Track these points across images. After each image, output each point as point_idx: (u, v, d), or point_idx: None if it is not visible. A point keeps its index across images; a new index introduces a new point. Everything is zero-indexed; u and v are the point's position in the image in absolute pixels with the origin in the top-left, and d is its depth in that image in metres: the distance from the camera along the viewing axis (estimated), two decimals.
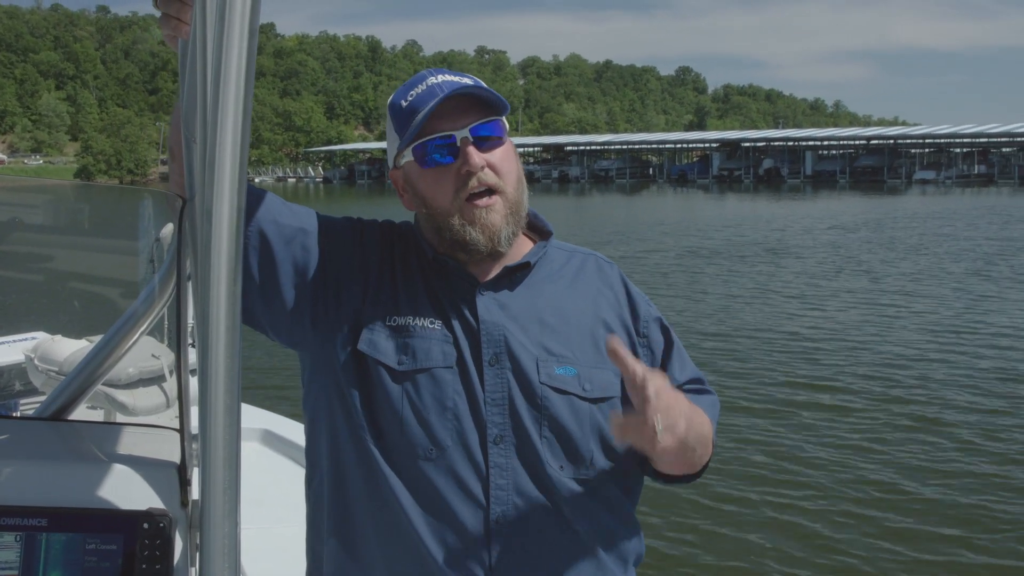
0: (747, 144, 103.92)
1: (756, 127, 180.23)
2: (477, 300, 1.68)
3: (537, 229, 1.82)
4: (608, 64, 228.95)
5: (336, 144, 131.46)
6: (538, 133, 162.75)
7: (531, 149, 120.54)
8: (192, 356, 1.23)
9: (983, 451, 8.13)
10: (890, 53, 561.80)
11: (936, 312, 15.32)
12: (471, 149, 1.63)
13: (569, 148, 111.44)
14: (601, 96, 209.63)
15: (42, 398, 3.87)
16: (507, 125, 1.73)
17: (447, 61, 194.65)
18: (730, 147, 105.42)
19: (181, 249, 1.44)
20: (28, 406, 5.29)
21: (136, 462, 1.48)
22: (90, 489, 1.42)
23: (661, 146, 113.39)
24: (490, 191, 1.66)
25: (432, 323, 1.65)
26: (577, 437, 1.65)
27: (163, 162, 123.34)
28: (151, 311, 1.68)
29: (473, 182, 1.64)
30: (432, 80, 1.69)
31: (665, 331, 1.81)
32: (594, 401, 1.67)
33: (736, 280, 19.69)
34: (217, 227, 1.08)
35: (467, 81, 1.69)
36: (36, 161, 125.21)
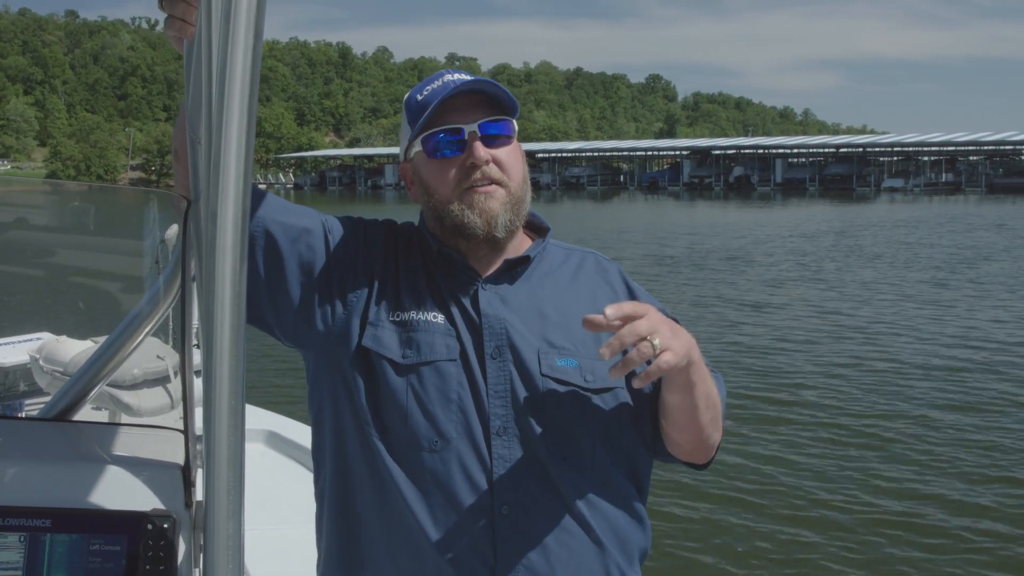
0: (717, 152, 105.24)
1: (726, 135, 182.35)
2: (479, 294, 1.70)
3: (535, 228, 1.86)
4: (579, 71, 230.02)
5: (307, 150, 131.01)
6: None
7: None
8: (197, 357, 1.23)
9: (935, 457, 8.14)
10: (858, 62, 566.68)
11: (886, 320, 15.33)
12: (477, 143, 1.67)
13: (540, 155, 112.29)
14: (572, 103, 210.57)
15: (47, 399, 3.88)
16: (516, 127, 1.76)
17: (418, 68, 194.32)
18: (701, 155, 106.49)
19: (186, 250, 1.44)
20: (33, 407, 5.30)
21: (140, 463, 1.48)
22: (94, 490, 1.42)
23: (632, 153, 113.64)
24: (492, 182, 1.69)
25: (435, 317, 1.68)
26: (579, 428, 1.66)
27: (133, 167, 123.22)
28: (156, 312, 1.68)
29: (476, 174, 1.68)
30: (448, 77, 1.73)
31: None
32: (596, 392, 1.68)
33: (693, 287, 19.74)
34: (222, 228, 1.08)
35: (481, 79, 1.72)
36: (4, 166, 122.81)
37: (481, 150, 1.67)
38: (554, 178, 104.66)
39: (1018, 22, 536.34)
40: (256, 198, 1.66)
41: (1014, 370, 11.31)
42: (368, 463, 1.65)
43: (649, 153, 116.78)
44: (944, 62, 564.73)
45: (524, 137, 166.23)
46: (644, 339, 1.45)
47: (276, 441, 4.62)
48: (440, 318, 1.68)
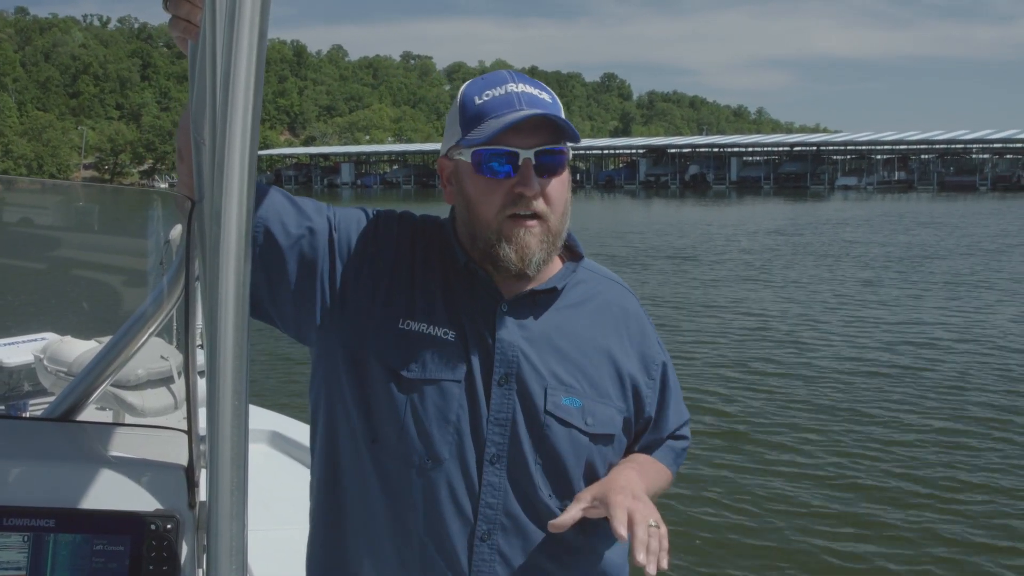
0: (673, 150, 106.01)
1: (681, 133, 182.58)
2: (497, 318, 1.65)
3: (568, 248, 1.79)
4: (534, 70, 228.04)
5: (261, 149, 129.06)
6: None
7: None
8: (200, 358, 1.23)
9: (850, 458, 8.14)
10: (811, 61, 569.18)
11: (815, 318, 15.35)
12: (531, 173, 1.59)
13: None
14: None
15: (51, 399, 3.88)
16: (571, 153, 1.68)
17: (373, 66, 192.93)
18: (656, 153, 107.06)
19: (190, 251, 1.44)
20: (37, 407, 5.30)
21: (144, 463, 1.48)
22: (98, 490, 1.42)
23: (588, 152, 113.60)
24: (535, 215, 1.63)
25: (446, 333, 1.63)
26: (571, 469, 1.65)
27: (85, 166, 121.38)
28: (160, 313, 1.68)
29: (523, 204, 1.61)
30: (512, 88, 1.64)
31: (667, 376, 1.83)
32: (593, 437, 1.67)
33: (637, 288, 19.65)
34: (226, 229, 1.08)
35: (546, 98, 1.65)
36: None
37: (534, 182, 1.59)
38: None
39: (968, 22, 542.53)
40: (259, 195, 1.63)
41: (935, 368, 11.41)
42: (356, 464, 1.65)
43: (605, 151, 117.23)
44: (895, 61, 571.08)
45: None
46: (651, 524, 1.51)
47: (280, 442, 4.62)
48: (451, 335, 1.63)
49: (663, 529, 1.51)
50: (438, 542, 1.60)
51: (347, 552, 1.67)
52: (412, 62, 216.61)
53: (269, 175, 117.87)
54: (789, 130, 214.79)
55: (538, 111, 1.59)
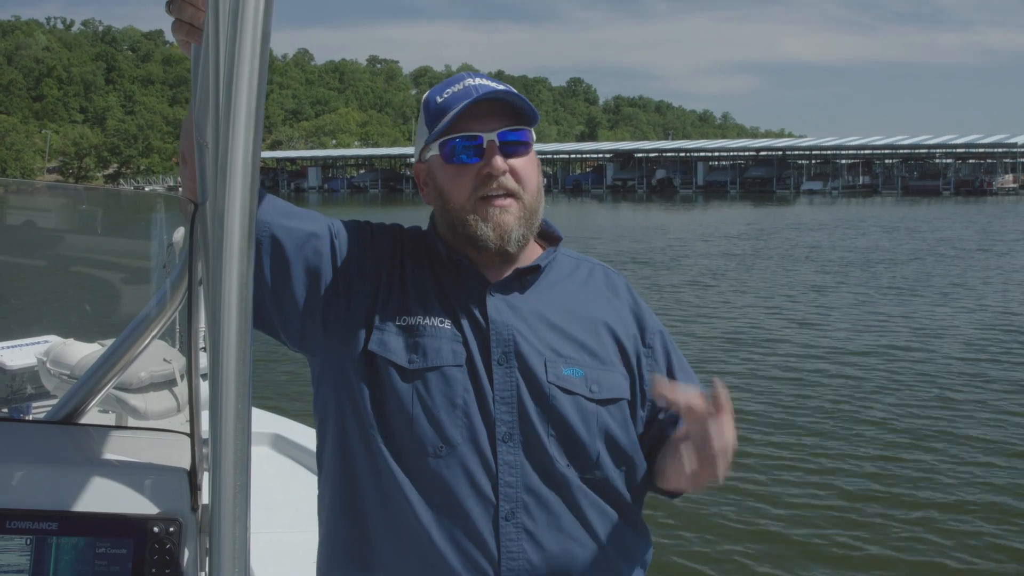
0: (640, 155, 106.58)
1: (647, 138, 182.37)
2: (487, 300, 1.70)
3: (547, 236, 1.86)
4: (500, 75, 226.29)
5: None
6: None
7: None
8: (203, 360, 1.23)
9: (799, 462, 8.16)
10: (776, 66, 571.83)
11: (775, 322, 15.41)
12: (496, 153, 1.67)
13: None
14: None
15: (54, 401, 3.89)
16: (535, 136, 1.76)
17: (339, 70, 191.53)
18: (623, 158, 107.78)
19: (193, 254, 1.44)
20: (40, 409, 5.30)
21: (147, 466, 1.48)
22: (101, 493, 1.42)
23: (555, 156, 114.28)
24: (507, 194, 1.69)
25: (442, 322, 1.67)
26: (584, 437, 1.66)
27: (50, 170, 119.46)
28: (163, 315, 1.68)
29: (493, 185, 1.67)
30: (469, 82, 1.73)
31: (668, 343, 1.84)
32: (601, 403, 1.69)
33: None
34: (229, 232, 1.08)
35: (502, 88, 1.72)
36: None
37: (499, 160, 1.67)
38: None
39: (930, 28, 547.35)
40: (263, 201, 1.66)
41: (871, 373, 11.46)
42: (372, 467, 1.65)
43: (572, 156, 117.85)
44: (859, 66, 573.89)
45: None
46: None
47: (282, 445, 4.62)
48: (447, 323, 1.68)
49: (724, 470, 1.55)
50: (463, 527, 1.61)
51: (371, 551, 1.67)
52: (378, 66, 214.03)
53: None
54: (755, 135, 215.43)
55: (493, 92, 1.68)
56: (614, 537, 1.69)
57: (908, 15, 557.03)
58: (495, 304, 1.70)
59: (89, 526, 1.39)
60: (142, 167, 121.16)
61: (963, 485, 7.43)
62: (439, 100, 1.73)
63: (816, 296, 18.56)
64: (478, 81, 1.73)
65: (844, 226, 40.08)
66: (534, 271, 1.75)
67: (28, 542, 1.37)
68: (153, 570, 1.38)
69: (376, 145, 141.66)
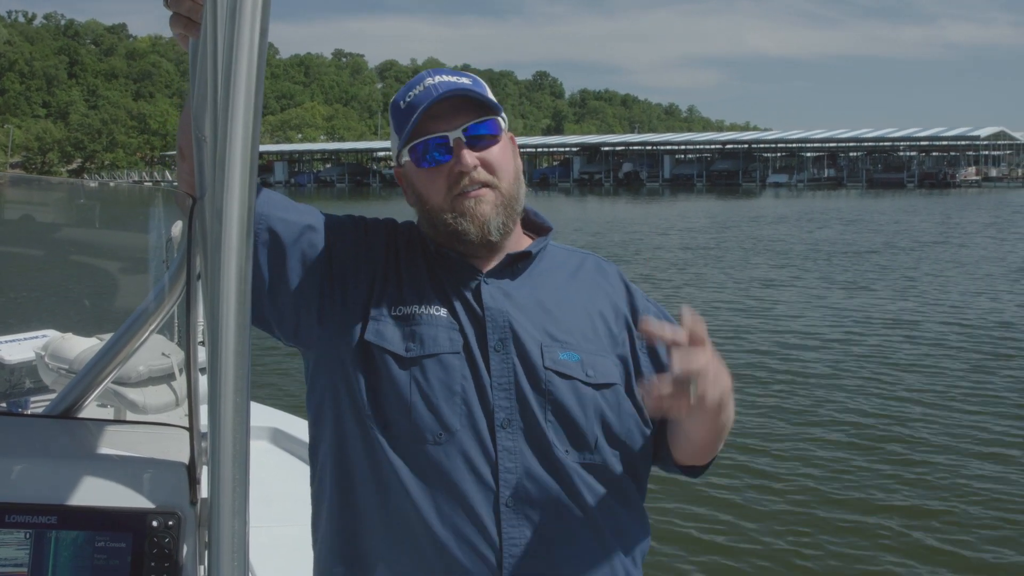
0: (607, 148, 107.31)
1: (613, 131, 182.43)
2: (482, 288, 1.71)
3: (536, 227, 1.87)
4: (466, 68, 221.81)
5: None
6: None
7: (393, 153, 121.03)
8: (202, 354, 1.23)
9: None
10: (741, 60, 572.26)
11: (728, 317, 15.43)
12: (464, 149, 1.67)
13: None
14: None
15: (52, 396, 3.88)
16: (504, 123, 1.76)
17: (304, 64, 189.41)
18: (590, 151, 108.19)
19: (191, 248, 1.44)
20: (38, 404, 5.30)
21: (145, 460, 1.48)
22: (100, 487, 1.42)
23: (522, 150, 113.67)
24: (483, 185, 1.70)
25: (438, 310, 1.69)
26: (581, 421, 1.67)
27: (12, 165, 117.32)
28: (161, 310, 1.68)
29: (465, 181, 1.68)
30: (429, 81, 1.73)
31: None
32: (597, 387, 1.69)
33: None
34: (227, 226, 1.08)
35: (465, 81, 1.73)
36: None
37: (468, 156, 1.67)
38: None
39: (894, 22, 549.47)
40: (260, 195, 1.67)
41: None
42: (370, 458, 1.65)
43: (539, 150, 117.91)
44: (824, 60, 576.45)
45: None
46: (688, 379, 1.47)
47: (281, 438, 4.63)
48: (443, 311, 1.69)
49: (693, 397, 1.48)
50: (464, 513, 1.61)
51: (368, 542, 1.68)
52: (344, 60, 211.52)
53: None
54: (720, 128, 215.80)
55: (451, 89, 1.68)
56: (614, 522, 1.69)
57: (873, 8, 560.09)
58: (489, 291, 1.71)
59: (88, 520, 1.39)
60: (106, 162, 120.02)
61: (911, 481, 7.46)
62: (402, 105, 1.74)
63: (768, 289, 18.59)
64: (437, 79, 1.73)
65: (805, 219, 40.36)
66: (525, 257, 1.77)
67: (27, 536, 1.37)
68: (152, 564, 1.38)
69: (342, 139, 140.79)
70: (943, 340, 12.88)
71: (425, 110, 1.66)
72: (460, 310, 1.69)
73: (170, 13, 1.38)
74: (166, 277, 1.67)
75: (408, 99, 1.73)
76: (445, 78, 1.73)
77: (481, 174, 1.69)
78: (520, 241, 1.80)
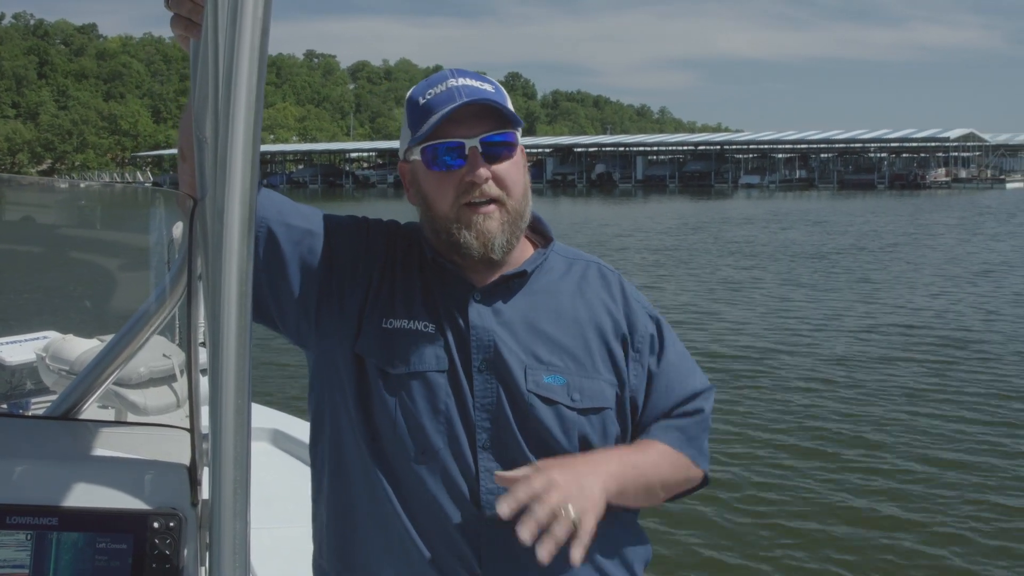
0: (580, 149, 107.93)
1: (585, 132, 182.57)
2: (469, 306, 1.68)
3: (540, 233, 1.83)
4: (438, 69, 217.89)
5: (165, 148, 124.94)
6: (370, 138, 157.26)
7: (365, 154, 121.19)
8: (203, 356, 1.23)
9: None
10: (713, 61, 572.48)
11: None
12: (479, 160, 1.63)
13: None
14: None
15: (53, 397, 3.88)
16: (519, 136, 1.72)
17: (276, 65, 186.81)
18: (563, 152, 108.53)
19: (192, 249, 1.44)
20: (39, 405, 5.30)
21: (146, 461, 1.48)
22: (101, 488, 1.42)
23: None
24: (491, 200, 1.66)
25: (426, 327, 1.66)
26: (563, 446, 1.64)
27: None
28: (162, 311, 1.68)
29: (475, 192, 1.64)
30: (453, 83, 1.68)
31: (658, 344, 1.79)
32: (582, 412, 1.66)
33: None
34: (228, 227, 1.08)
35: (487, 88, 1.69)
36: None
37: (482, 168, 1.63)
38: None
39: (863, 24, 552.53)
40: (262, 197, 1.66)
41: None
42: (362, 466, 1.66)
43: None
44: (795, 62, 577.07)
45: (385, 135, 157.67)
46: (559, 511, 1.42)
47: (282, 440, 4.62)
48: (431, 328, 1.66)
49: (579, 520, 1.42)
50: (446, 533, 1.60)
51: (360, 552, 1.68)
52: (316, 61, 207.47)
53: (173, 175, 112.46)
54: (692, 129, 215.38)
55: (475, 98, 1.63)
56: (605, 542, 1.66)
57: (842, 11, 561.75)
58: (477, 310, 1.68)
59: (89, 521, 1.39)
60: (77, 163, 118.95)
61: (866, 487, 7.44)
62: (421, 101, 1.68)
63: (729, 291, 18.61)
64: (461, 82, 1.67)
65: (774, 220, 40.58)
66: (520, 276, 1.72)
67: (28, 537, 1.37)
68: (153, 565, 1.38)
69: (315, 140, 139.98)
70: (893, 341, 12.98)
71: (448, 115, 1.62)
72: (447, 327, 1.66)
73: (171, 14, 1.38)
74: (167, 278, 1.67)
75: (428, 96, 1.67)
76: (469, 82, 1.68)
77: (492, 188, 1.65)
78: (522, 250, 1.76)
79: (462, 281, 1.70)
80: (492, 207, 1.66)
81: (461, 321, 1.67)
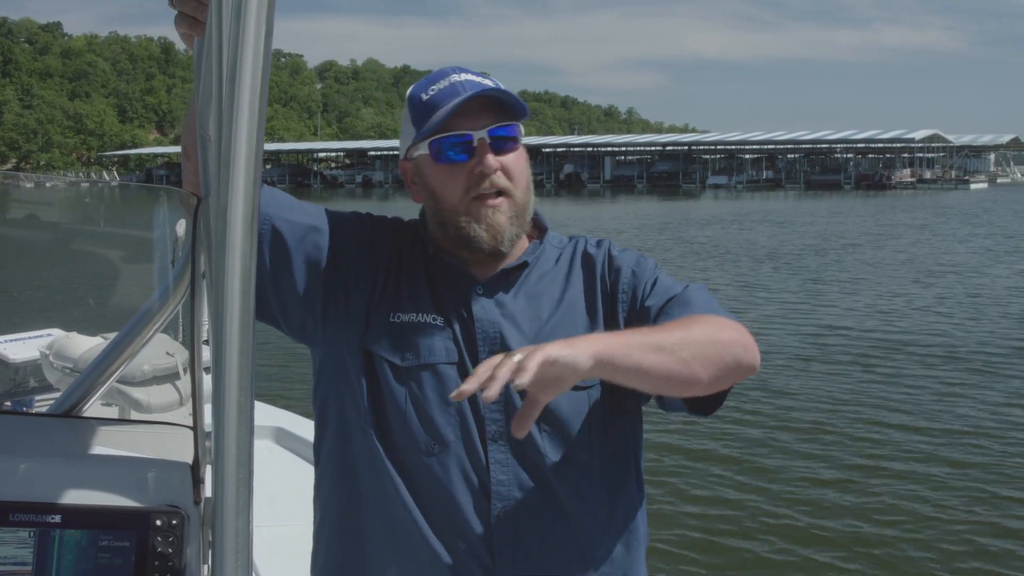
0: (548, 149, 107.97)
1: (553, 133, 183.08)
2: (473, 299, 1.69)
3: (537, 225, 1.83)
4: (406, 69, 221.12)
5: (131, 148, 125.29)
6: (337, 138, 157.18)
7: (333, 154, 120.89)
8: (206, 354, 1.23)
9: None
10: (680, 62, 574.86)
11: None
12: (487, 151, 1.65)
13: (372, 153, 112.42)
14: (400, 101, 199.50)
15: (57, 394, 3.89)
16: (523, 130, 1.74)
17: None
18: (530, 152, 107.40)
19: (195, 247, 1.44)
20: (43, 402, 5.32)
21: (149, 459, 1.48)
22: (104, 486, 1.42)
23: None
24: (499, 193, 1.67)
25: (434, 319, 1.67)
26: (575, 426, 1.65)
27: None
28: (165, 309, 1.68)
29: (485, 184, 1.65)
30: (455, 78, 1.69)
31: (638, 276, 1.74)
32: (591, 390, 1.67)
33: None
34: (232, 225, 1.08)
35: (488, 83, 1.70)
36: None
37: (491, 159, 1.64)
38: (386, 175, 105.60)
39: (830, 26, 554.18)
40: (265, 195, 1.66)
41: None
42: (369, 461, 1.66)
43: None
44: (762, 63, 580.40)
45: (353, 135, 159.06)
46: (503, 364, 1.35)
47: (285, 438, 4.63)
48: (439, 321, 1.67)
49: (523, 360, 1.34)
50: (458, 525, 1.60)
51: (368, 546, 1.68)
52: (283, 60, 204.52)
53: (140, 174, 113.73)
54: (659, 130, 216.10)
55: (482, 90, 1.65)
56: (609, 526, 1.68)
57: (809, 12, 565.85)
58: (482, 302, 1.69)
59: (92, 519, 1.39)
60: (42, 162, 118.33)
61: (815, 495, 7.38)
62: (424, 97, 1.69)
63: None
64: (464, 77, 1.69)
65: (736, 221, 40.71)
66: (520, 268, 1.74)
67: (31, 535, 1.37)
68: (156, 563, 1.38)
69: (282, 140, 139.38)
70: (848, 342, 13.02)
71: (457, 107, 1.62)
72: (455, 320, 1.68)
73: (175, 12, 1.38)
74: (170, 276, 1.68)
75: (431, 92, 1.69)
76: (471, 77, 1.70)
77: (500, 179, 1.66)
78: (521, 244, 1.78)
79: (464, 275, 1.71)
80: (500, 199, 1.67)
81: (466, 315, 1.68)
